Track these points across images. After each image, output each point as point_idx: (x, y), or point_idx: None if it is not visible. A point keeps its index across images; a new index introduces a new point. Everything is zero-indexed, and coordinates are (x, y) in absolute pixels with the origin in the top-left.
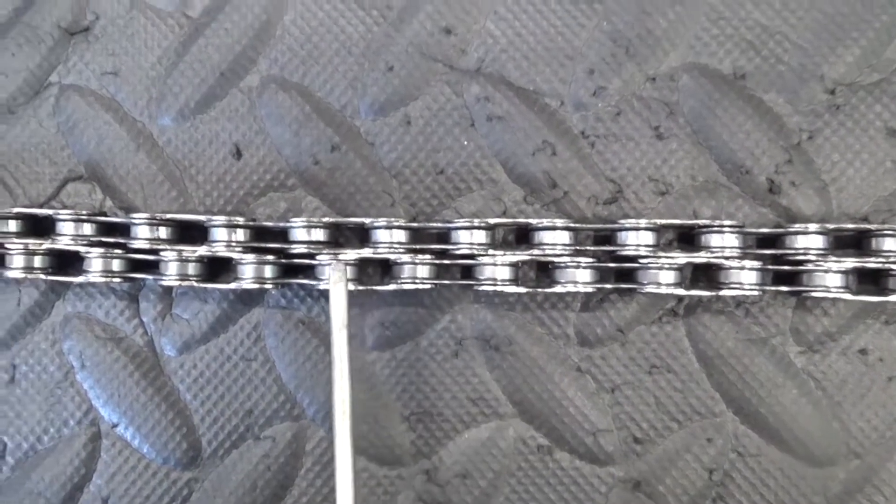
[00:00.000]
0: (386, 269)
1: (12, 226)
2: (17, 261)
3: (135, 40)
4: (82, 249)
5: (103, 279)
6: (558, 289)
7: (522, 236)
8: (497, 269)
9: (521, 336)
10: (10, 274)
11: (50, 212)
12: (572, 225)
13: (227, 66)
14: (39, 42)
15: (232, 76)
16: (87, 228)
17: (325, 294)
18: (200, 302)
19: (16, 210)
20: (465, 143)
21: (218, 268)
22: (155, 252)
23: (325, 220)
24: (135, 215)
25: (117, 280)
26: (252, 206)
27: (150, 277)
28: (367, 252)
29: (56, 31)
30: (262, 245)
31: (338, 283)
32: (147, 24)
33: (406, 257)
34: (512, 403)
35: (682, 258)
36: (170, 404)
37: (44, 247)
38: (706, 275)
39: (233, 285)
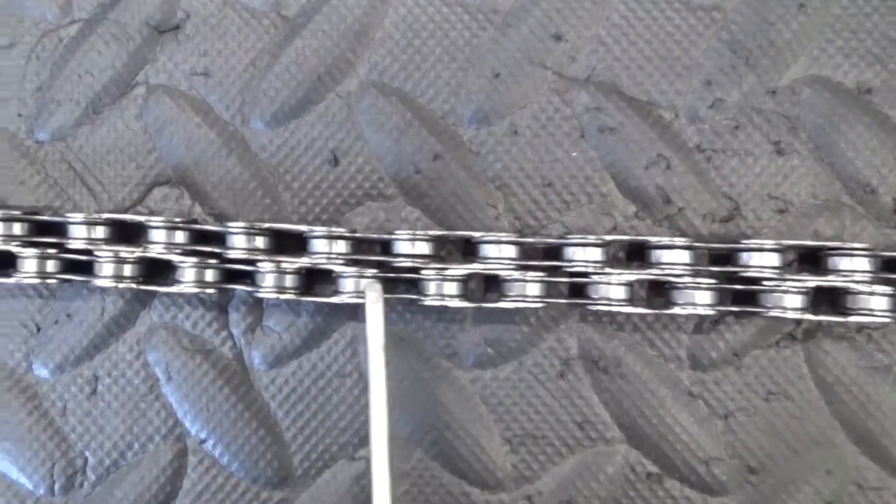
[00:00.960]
0: (489, 284)
1: (100, 232)
2: (107, 269)
3: (227, 40)
4: (175, 258)
5: (196, 290)
6: (676, 310)
7: (634, 254)
8: (611, 289)
9: (631, 358)
10: (99, 283)
11: (142, 218)
12: (694, 244)
13: (324, 70)
14: (127, 40)
15: (329, 80)
16: (180, 236)
17: (425, 310)
18: (293, 315)
19: (105, 216)
20: (574, 154)
21: (312, 280)
22: (251, 263)
23: (432, 232)
24: (231, 224)
25: (210, 291)
26: (348, 216)
27: (246, 289)
28: (475, 267)
29: (145, 29)
30: (364, 258)
31: (375, 304)
32: (240, 24)
33: (516, 273)
34: (620, 428)
35: (811, 282)
36: (260, 420)
37: (136, 255)
38: (828, 298)
39: (334, 299)
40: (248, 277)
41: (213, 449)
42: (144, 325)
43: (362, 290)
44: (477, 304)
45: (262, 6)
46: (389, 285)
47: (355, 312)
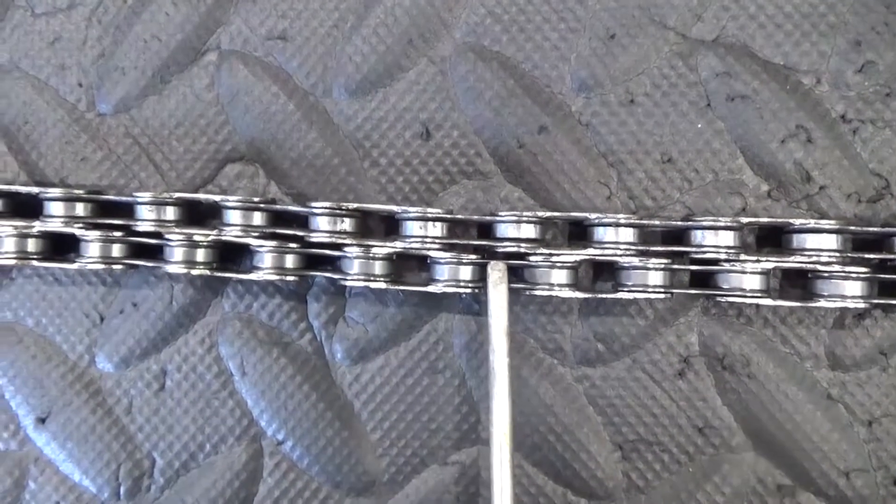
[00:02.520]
0: (598, 271)
1: (170, 213)
2: (178, 253)
3: (307, 0)
4: (253, 242)
5: (276, 277)
6: (823, 303)
7: (765, 239)
8: (745, 278)
9: (761, 356)
10: (169, 269)
11: (217, 198)
12: (844, 227)
13: (416, 32)
14: (199, 0)
15: (421, 44)
16: (257, 218)
17: (525, 301)
18: (379, 305)
19: (176, 195)
20: (699, 126)
21: (401, 266)
22: (337, 247)
23: (541, 214)
24: (315, 204)
25: (290, 278)
26: (441, 196)
27: (332, 276)
28: (590, 253)
29: None
30: (463, 242)
31: (499, 285)
32: None
33: (636, 260)
34: (746, 434)
35: None
36: (343, 421)
37: (210, 238)
38: None
39: (432, 288)
40: (330, 263)
41: (292, 451)
42: (216, 315)
43: (461, 277)
44: (593, 295)
45: None
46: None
47: (450, 303)
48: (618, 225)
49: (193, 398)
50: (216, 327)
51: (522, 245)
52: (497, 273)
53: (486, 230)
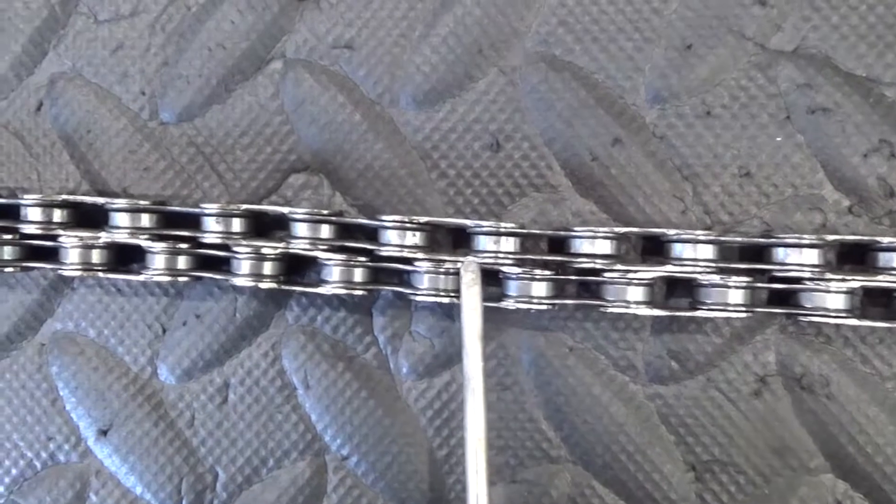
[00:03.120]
0: (672, 287)
1: (236, 225)
2: (245, 266)
3: (374, 8)
4: (321, 255)
5: (345, 290)
6: None
7: (846, 256)
8: (828, 297)
9: (841, 376)
10: (238, 281)
11: (285, 210)
12: None
13: (486, 42)
14: (264, 9)
15: (492, 53)
16: (326, 231)
17: (596, 317)
18: (445, 319)
19: (244, 207)
20: (778, 139)
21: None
22: (407, 261)
23: (619, 229)
24: (385, 218)
25: (359, 292)
26: (510, 209)
27: (403, 291)
28: (668, 270)
29: None
30: (536, 257)
31: (472, 286)
32: None
33: (715, 278)
34: (825, 456)
35: None
36: (409, 436)
37: (278, 251)
38: None
39: (506, 304)
40: (397, 276)
41: (356, 467)
42: (280, 327)
43: (533, 294)
44: (671, 313)
45: None
46: (562, 288)
47: (517, 318)
48: (697, 241)
49: (256, 412)
50: (280, 340)
51: (598, 261)
52: (470, 274)
53: (558, 244)
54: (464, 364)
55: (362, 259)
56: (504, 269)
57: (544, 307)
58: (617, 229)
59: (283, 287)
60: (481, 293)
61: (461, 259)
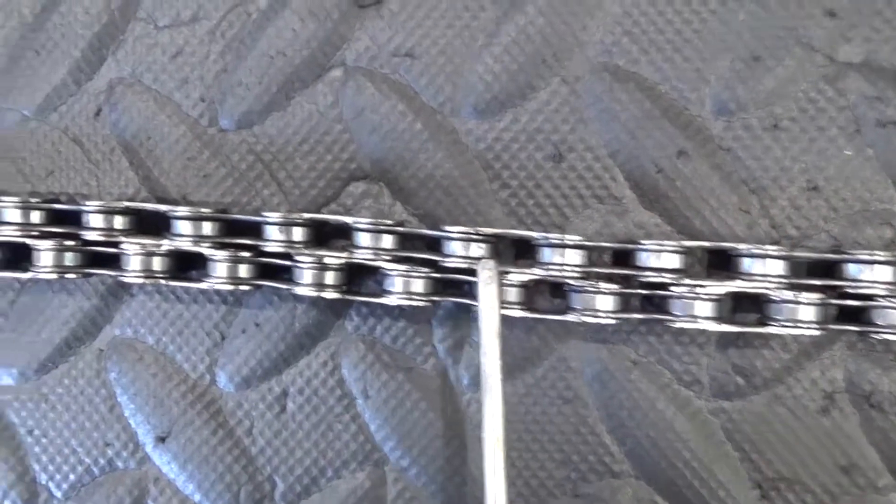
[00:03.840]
0: (738, 302)
1: (299, 234)
2: (307, 275)
3: (436, 16)
4: (385, 265)
5: (408, 302)
6: None
7: None
8: None
9: None
10: (300, 291)
11: (349, 220)
12: None
13: (549, 51)
14: (325, 16)
15: (555, 63)
16: (388, 241)
17: (660, 330)
18: (506, 330)
19: (306, 216)
20: (848, 152)
21: (532, 292)
22: (471, 272)
23: (686, 243)
24: (450, 229)
25: (422, 303)
26: (573, 220)
27: (469, 303)
28: (738, 285)
29: (344, 4)
30: (603, 270)
31: (489, 284)
32: None
33: (787, 294)
34: (893, 475)
35: None
36: (469, 449)
37: (341, 261)
38: None
39: (571, 317)
40: (458, 287)
41: (416, 478)
42: (339, 336)
43: (598, 307)
44: (743, 330)
45: None
46: (626, 301)
47: (580, 330)
48: (768, 256)
49: (315, 421)
50: (339, 349)
51: (666, 275)
52: (487, 272)
53: (622, 257)
54: (481, 363)
55: (425, 270)
56: (570, 281)
57: (611, 321)
58: (686, 243)
59: (347, 297)
60: (499, 292)
61: (526, 271)
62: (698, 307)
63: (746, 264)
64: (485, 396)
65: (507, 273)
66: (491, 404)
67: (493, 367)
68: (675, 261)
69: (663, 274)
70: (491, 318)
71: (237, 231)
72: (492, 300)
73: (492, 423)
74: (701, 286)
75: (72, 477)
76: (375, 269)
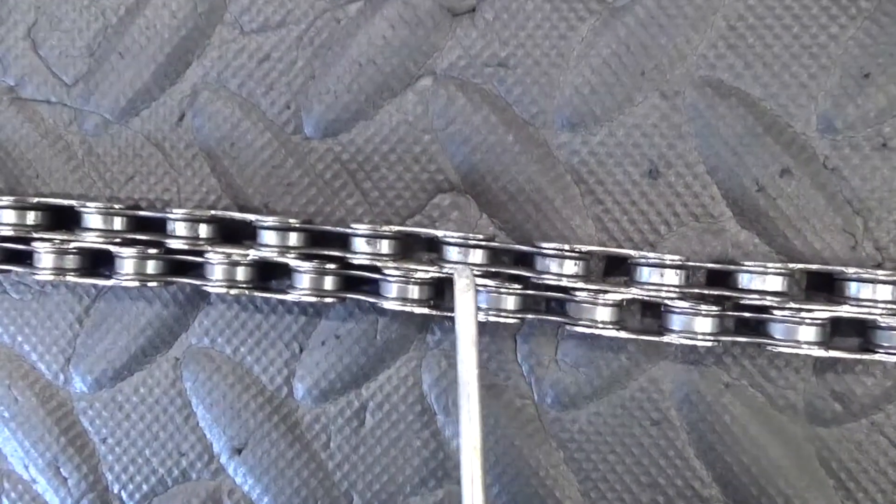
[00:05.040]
0: (837, 326)
1: (385, 246)
2: (393, 289)
3: (531, 26)
4: (476, 281)
5: (496, 318)
6: None
7: None
8: None
9: None
10: (388, 305)
11: (440, 233)
12: None
13: (649, 64)
14: (417, 23)
15: (655, 76)
16: (477, 256)
17: (753, 352)
18: (594, 349)
19: (395, 229)
20: None
21: (624, 311)
22: (567, 290)
23: (791, 266)
24: (545, 245)
25: (512, 320)
26: (667, 238)
27: (563, 321)
28: (842, 310)
29: (437, 11)
30: (705, 291)
31: (466, 292)
32: (547, 8)
33: (893, 320)
34: None
35: None
36: (551, 467)
37: (430, 274)
38: None
39: (667, 338)
40: (546, 304)
41: (497, 497)
42: (421, 350)
43: (697, 329)
44: (851, 356)
45: None
46: (725, 324)
47: (671, 351)
48: (877, 282)
49: (394, 437)
50: (420, 363)
51: (768, 298)
52: (464, 280)
53: (719, 276)
54: (458, 370)
55: (517, 287)
56: (668, 302)
57: (709, 344)
58: (791, 265)
59: (435, 312)
60: (475, 298)
61: (622, 290)
62: (801, 332)
63: (852, 289)
64: (461, 403)
65: (602, 292)
66: (468, 411)
67: (470, 375)
68: (777, 283)
69: (766, 297)
70: (468, 325)
71: (320, 241)
72: (469, 307)
73: (469, 432)
74: (807, 310)
75: (144, 487)
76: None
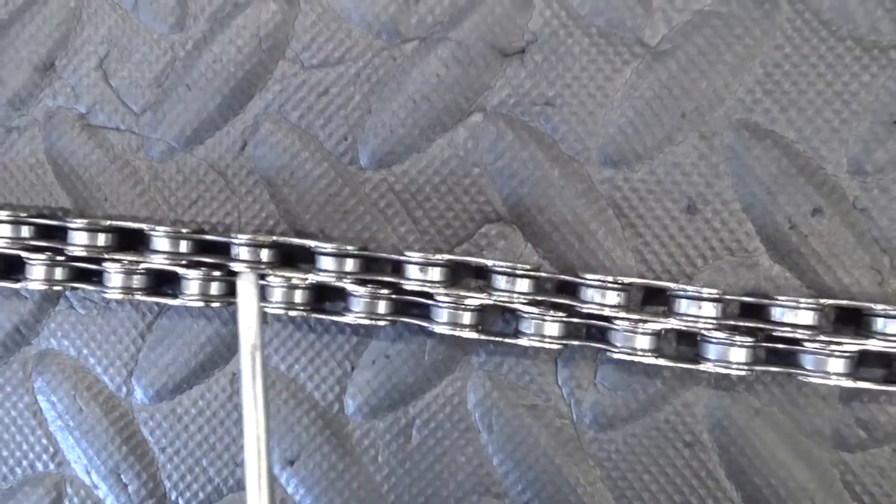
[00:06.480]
0: (862, 358)
1: (436, 273)
2: (445, 314)
3: (576, 68)
4: (522, 308)
5: (540, 344)
6: None
7: None
8: None
9: None
10: (439, 329)
11: (489, 262)
12: None
13: (690, 106)
14: (469, 63)
15: (694, 116)
16: (524, 284)
17: (781, 380)
18: (632, 374)
19: (447, 257)
20: None
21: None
22: (608, 319)
23: (823, 301)
24: (589, 277)
25: (556, 346)
26: (703, 270)
27: (603, 348)
28: (870, 344)
29: (488, 52)
30: (743, 324)
31: (249, 297)
32: (592, 51)
33: None
34: None
35: None
36: (588, 485)
37: (478, 302)
38: None
39: (702, 367)
40: (587, 330)
41: None
42: (466, 371)
43: (731, 359)
44: (880, 388)
45: (619, 30)
46: (757, 354)
47: (704, 377)
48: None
49: (439, 453)
50: (465, 384)
51: (799, 331)
52: (247, 284)
53: (753, 309)
54: (241, 380)
55: (560, 314)
56: (705, 333)
57: (742, 373)
58: (821, 301)
59: (484, 337)
60: (258, 303)
61: (661, 320)
62: (830, 363)
63: (880, 324)
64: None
65: (642, 321)
66: (251, 429)
67: (255, 384)
68: (808, 317)
69: (798, 329)
70: (250, 330)
71: (373, 267)
72: (251, 313)
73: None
74: (836, 343)
75: (201, 495)
76: (509, 311)
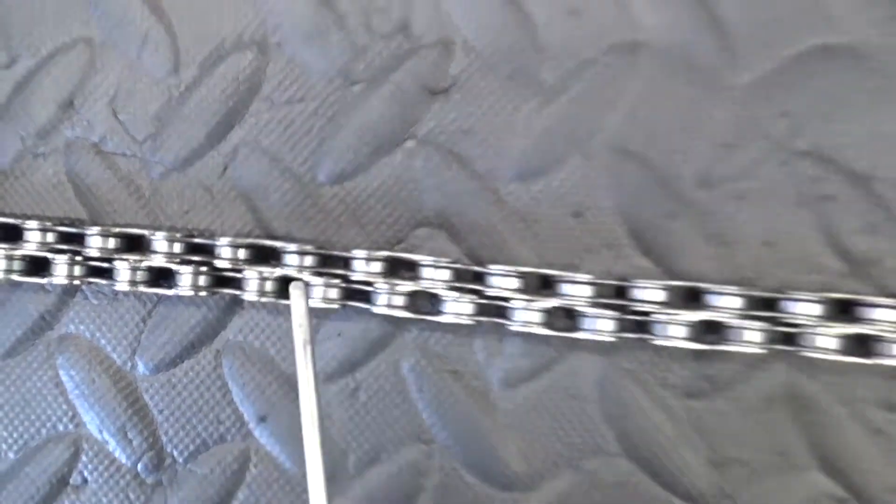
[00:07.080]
0: (704, 327)
1: (377, 267)
2: (383, 299)
3: (488, 104)
4: (441, 292)
5: (456, 320)
6: None
7: None
8: None
9: None
10: (378, 310)
11: (417, 257)
12: None
13: (576, 133)
14: (405, 100)
15: (579, 141)
16: (444, 274)
17: (652, 350)
18: (529, 344)
19: (386, 254)
20: None
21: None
22: (510, 300)
23: (673, 283)
24: (495, 267)
25: (469, 322)
26: (585, 261)
27: (504, 322)
28: (702, 315)
29: (418, 92)
30: (611, 301)
31: (299, 300)
32: (498, 91)
33: (740, 321)
34: None
35: None
36: (493, 433)
37: (410, 288)
38: None
39: (586, 335)
40: (496, 310)
41: (456, 455)
42: (402, 345)
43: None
44: (710, 347)
45: (522, 74)
46: (624, 325)
47: (591, 346)
48: (725, 293)
49: (380, 409)
50: (400, 354)
51: (655, 306)
52: (297, 290)
53: (621, 290)
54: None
55: (474, 297)
56: (583, 309)
57: (613, 340)
58: (672, 283)
59: (413, 316)
60: (307, 305)
61: (550, 299)
62: (677, 330)
63: (715, 300)
64: (301, 394)
65: (532, 300)
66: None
67: (303, 370)
68: (661, 295)
69: (654, 305)
70: (300, 330)
71: (328, 262)
72: (302, 314)
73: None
74: (677, 314)
75: (191, 447)
76: (433, 295)
